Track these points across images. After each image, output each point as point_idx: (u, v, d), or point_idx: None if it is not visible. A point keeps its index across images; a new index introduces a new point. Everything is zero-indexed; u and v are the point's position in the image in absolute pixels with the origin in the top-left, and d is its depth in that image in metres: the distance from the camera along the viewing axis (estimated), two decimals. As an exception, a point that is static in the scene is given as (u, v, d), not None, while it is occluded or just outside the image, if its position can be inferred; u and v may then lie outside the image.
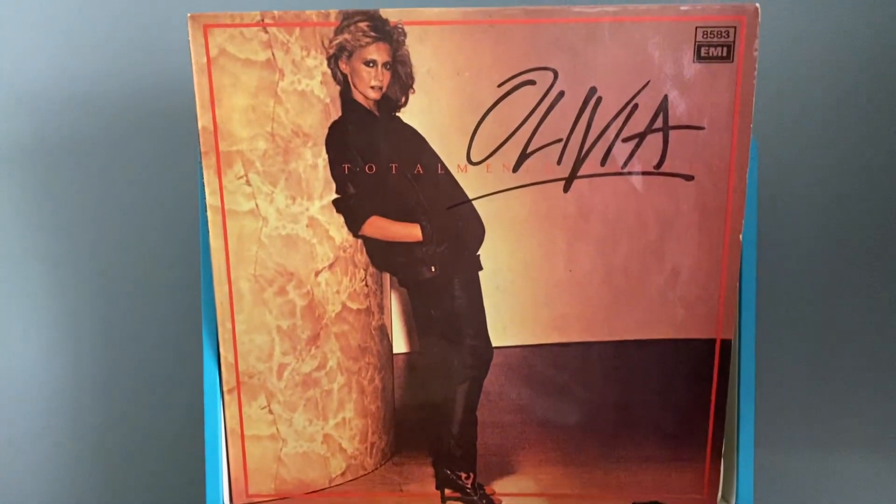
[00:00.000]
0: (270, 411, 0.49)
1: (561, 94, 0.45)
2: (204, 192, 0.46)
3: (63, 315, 0.60)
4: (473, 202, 0.46)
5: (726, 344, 0.48)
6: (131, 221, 0.60)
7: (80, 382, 0.60)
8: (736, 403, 0.50)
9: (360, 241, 0.48)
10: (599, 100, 0.45)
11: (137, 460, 0.61)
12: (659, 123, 0.45)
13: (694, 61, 0.44)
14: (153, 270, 0.60)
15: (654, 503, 0.42)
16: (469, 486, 0.50)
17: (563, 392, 0.49)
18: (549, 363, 0.49)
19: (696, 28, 0.44)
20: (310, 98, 0.45)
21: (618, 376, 0.49)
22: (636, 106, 0.45)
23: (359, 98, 0.45)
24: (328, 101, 0.45)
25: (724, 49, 0.44)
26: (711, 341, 0.48)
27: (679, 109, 0.45)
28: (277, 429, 0.49)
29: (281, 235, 0.47)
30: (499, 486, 0.50)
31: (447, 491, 0.51)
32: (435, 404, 0.50)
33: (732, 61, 0.44)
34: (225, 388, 0.49)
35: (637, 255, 0.47)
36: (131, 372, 0.60)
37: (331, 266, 0.48)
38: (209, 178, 0.46)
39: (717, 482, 0.50)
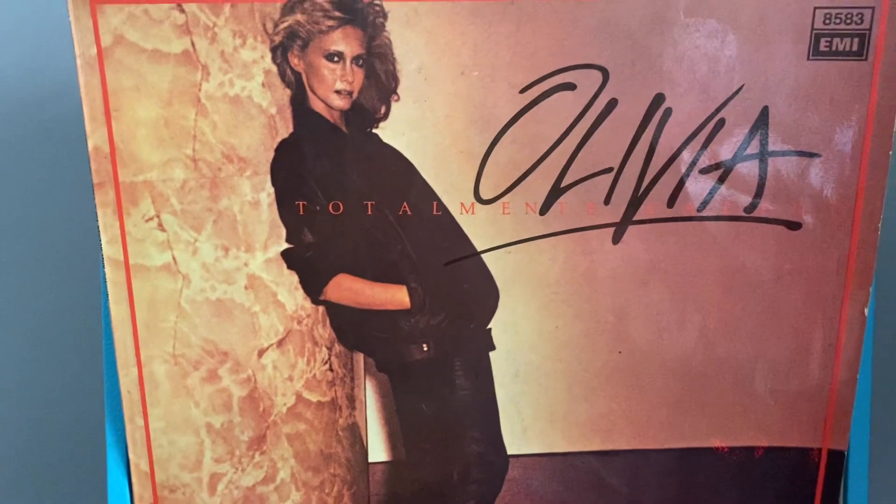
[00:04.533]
0: (199, 539, 0.36)
1: (612, 103, 0.31)
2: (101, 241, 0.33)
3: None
4: (483, 255, 0.34)
5: (835, 457, 0.35)
6: (10, 276, 0.46)
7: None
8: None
9: (321, 308, 0.35)
10: (668, 112, 0.31)
11: None
12: (754, 148, 0.32)
13: (809, 58, 0.31)
14: (40, 348, 0.46)
15: None
16: None
17: (604, 516, 0.37)
18: (588, 478, 0.36)
19: (815, 9, 0.30)
20: (247, 107, 0.32)
21: (683, 498, 0.36)
22: (721, 122, 0.31)
23: (318, 107, 0.32)
24: (273, 111, 0.32)
25: (855, 41, 0.30)
26: (813, 452, 0.35)
27: (784, 127, 0.31)
28: (209, 562, 0.36)
29: (209, 300, 0.34)
30: None
31: None
32: (427, 528, 0.37)
33: (866, 59, 0.30)
34: (136, 507, 0.36)
35: (715, 333, 0.34)
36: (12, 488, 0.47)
37: (280, 343, 0.35)
38: (106, 220, 0.33)
39: None
